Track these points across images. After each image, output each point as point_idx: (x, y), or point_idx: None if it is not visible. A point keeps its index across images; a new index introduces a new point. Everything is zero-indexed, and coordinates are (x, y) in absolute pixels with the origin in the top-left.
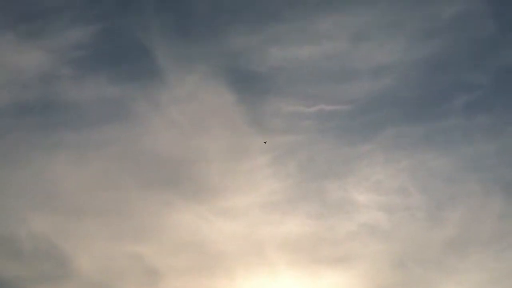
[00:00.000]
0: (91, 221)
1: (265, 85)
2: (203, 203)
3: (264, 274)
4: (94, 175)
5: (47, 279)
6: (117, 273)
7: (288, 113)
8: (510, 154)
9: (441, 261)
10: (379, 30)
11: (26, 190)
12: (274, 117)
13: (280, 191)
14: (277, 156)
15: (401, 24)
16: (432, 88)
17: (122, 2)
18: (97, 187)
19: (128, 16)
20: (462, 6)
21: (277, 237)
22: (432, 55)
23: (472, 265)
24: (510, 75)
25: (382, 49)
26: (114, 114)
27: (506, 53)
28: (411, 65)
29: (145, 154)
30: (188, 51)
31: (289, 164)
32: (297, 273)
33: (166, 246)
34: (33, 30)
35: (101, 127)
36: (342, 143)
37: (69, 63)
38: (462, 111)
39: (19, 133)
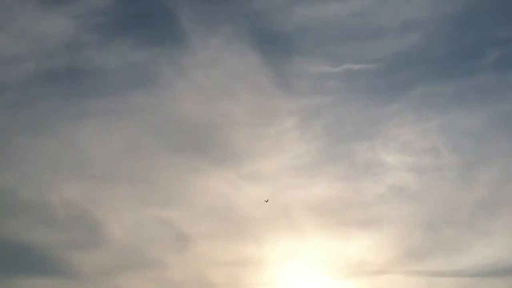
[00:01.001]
0: (120, 187)
1: (290, 45)
2: (230, 168)
3: (292, 237)
4: (122, 142)
5: (79, 244)
6: (147, 238)
7: (314, 73)
8: None
9: (471, 223)
10: None
11: (56, 158)
12: (300, 78)
13: (307, 154)
14: (304, 118)
15: None
16: (461, 45)
17: None
18: (125, 153)
19: None
20: None
21: (305, 200)
22: (461, 10)
23: (503, 226)
24: None
25: (409, 5)
26: (140, 80)
27: None
28: (439, 21)
29: (172, 120)
30: (211, 13)
31: (316, 126)
32: (325, 236)
33: (195, 211)
34: None
35: (127, 93)
36: (370, 103)
37: (94, 29)
38: (493, 68)
39: (46, 102)
